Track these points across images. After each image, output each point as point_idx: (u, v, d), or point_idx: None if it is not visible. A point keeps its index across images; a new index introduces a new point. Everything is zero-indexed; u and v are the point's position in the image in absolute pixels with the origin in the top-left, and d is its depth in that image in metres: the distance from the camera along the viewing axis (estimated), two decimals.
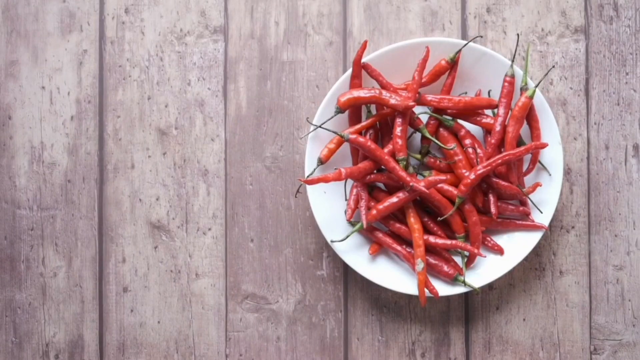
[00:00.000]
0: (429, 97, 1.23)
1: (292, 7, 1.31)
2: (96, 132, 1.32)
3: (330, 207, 1.25)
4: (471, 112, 1.24)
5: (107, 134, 1.32)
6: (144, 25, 1.32)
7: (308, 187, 1.24)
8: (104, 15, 1.32)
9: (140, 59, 1.32)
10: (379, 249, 1.26)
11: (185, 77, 1.31)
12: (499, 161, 1.20)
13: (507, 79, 1.22)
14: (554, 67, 1.27)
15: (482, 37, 1.29)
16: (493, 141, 1.22)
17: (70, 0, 1.33)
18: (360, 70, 1.23)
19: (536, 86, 1.22)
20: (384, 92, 1.21)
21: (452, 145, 1.23)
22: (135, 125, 1.32)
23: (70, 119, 1.32)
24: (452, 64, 1.24)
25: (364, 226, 1.22)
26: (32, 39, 1.33)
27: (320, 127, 1.23)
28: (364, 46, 1.22)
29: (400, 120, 1.21)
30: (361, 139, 1.21)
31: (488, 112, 1.27)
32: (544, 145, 1.21)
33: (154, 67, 1.32)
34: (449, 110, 1.24)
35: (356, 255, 1.25)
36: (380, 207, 1.22)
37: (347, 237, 1.23)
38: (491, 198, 1.23)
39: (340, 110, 1.22)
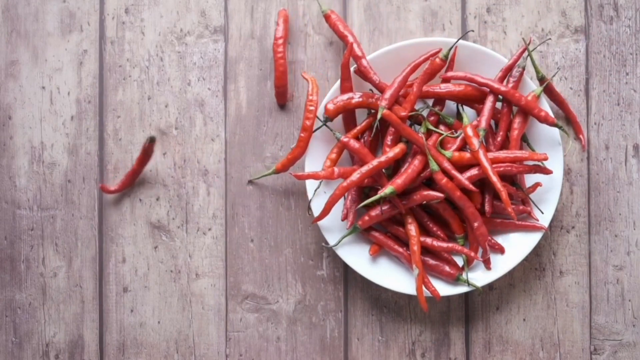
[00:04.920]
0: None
1: (292, 7, 1.31)
2: (96, 132, 1.32)
3: None
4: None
5: (107, 134, 1.32)
6: (144, 25, 1.32)
7: (308, 187, 1.25)
8: (104, 15, 1.32)
9: (140, 59, 1.32)
10: (379, 250, 1.26)
11: (185, 77, 1.32)
12: (501, 169, 1.21)
13: (519, 69, 1.22)
14: (559, 69, 1.27)
15: (473, 31, 1.29)
16: (499, 138, 1.23)
17: (70, 0, 1.33)
18: (349, 73, 1.23)
19: (545, 85, 1.22)
20: (371, 99, 1.22)
21: (458, 132, 1.23)
22: (136, 125, 1.32)
23: (70, 119, 1.32)
24: (447, 61, 1.23)
25: (350, 230, 1.22)
26: (32, 39, 1.33)
27: (321, 127, 1.23)
28: (349, 49, 1.22)
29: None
30: (352, 143, 1.21)
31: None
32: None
33: (154, 67, 1.32)
34: (453, 95, 1.24)
35: (356, 255, 1.25)
36: (372, 214, 1.23)
37: (339, 242, 1.24)
38: (487, 197, 1.23)
39: (328, 119, 1.22)
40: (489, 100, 1.22)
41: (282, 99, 1.29)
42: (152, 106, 1.32)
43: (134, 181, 1.29)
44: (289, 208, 1.31)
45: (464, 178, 1.19)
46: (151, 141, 1.25)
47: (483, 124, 1.21)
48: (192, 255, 1.31)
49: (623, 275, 1.29)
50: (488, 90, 1.22)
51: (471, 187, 1.18)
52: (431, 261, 1.24)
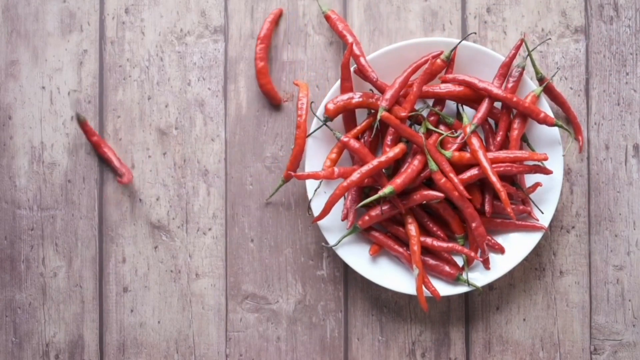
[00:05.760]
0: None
1: (292, 7, 1.31)
2: (96, 132, 1.32)
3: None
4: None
5: (107, 134, 1.32)
6: (144, 25, 1.32)
7: (308, 187, 1.25)
8: (104, 15, 1.32)
9: (141, 59, 1.32)
10: (379, 250, 1.26)
11: (185, 77, 1.32)
12: (501, 169, 1.21)
13: (519, 69, 1.22)
14: (558, 69, 1.27)
15: (475, 33, 1.29)
16: (498, 138, 1.23)
17: (70, 0, 1.33)
18: (349, 73, 1.23)
19: (544, 85, 1.21)
20: (371, 100, 1.22)
21: (458, 132, 1.23)
22: (136, 125, 1.32)
23: (70, 119, 1.32)
24: (448, 62, 1.23)
25: (350, 229, 1.22)
26: (32, 39, 1.33)
27: (321, 127, 1.23)
28: (350, 49, 1.22)
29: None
30: (352, 142, 1.21)
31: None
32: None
33: (154, 67, 1.32)
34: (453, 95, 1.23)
35: (356, 255, 1.25)
36: (372, 214, 1.22)
37: (339, 241, 1.24)
38: (487, 197, 1.23)
39: (328, 119, 1.22)
40: (486, 100, 1.22)
41: (274, 99, 1.29)
42: (152, 106, 1.32)
43: (116, 156, 1.30)
44: (289, 208, 1.31)
45: (459, 183, 1.19)
46: (79, 119, 1.27)
47: (475, 121, 1.21)
48: (192, 255, 1.31)
49: (623, 275, 1.29)
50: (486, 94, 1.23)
51: (465, 193, 1.18)
52: (431, 261, 1.24)
